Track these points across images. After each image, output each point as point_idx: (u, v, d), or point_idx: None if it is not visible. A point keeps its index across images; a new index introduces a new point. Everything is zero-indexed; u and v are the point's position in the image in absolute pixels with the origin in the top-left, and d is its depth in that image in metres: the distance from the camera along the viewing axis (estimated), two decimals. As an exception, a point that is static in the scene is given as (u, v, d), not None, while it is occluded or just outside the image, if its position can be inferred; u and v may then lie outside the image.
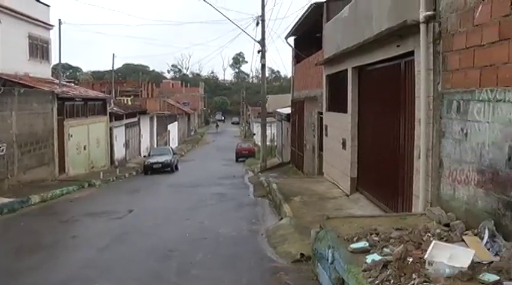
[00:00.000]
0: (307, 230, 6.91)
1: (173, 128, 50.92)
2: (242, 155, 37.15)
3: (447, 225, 5.09)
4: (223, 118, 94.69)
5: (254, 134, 50.26)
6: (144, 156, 31.39)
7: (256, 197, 14.38)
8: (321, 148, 14.84)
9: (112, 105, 30.06)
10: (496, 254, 4.15)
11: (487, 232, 4.45)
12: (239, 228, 9.62)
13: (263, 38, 24.99)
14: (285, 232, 8.23)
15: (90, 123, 24.45)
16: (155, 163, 26.48)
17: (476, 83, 4.91)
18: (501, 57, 4.48)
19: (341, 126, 11.43)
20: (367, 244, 4.69)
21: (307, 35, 18.90)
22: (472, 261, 3.86)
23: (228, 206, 13.22)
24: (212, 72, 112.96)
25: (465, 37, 5.16)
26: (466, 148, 5.14)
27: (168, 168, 26.77)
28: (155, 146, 38.29)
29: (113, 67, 40.38)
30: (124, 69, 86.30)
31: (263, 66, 25.60)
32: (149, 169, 26.16)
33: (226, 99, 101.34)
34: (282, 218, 9.60)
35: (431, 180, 6.03)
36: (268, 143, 31.34)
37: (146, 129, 38.02)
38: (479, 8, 4.87)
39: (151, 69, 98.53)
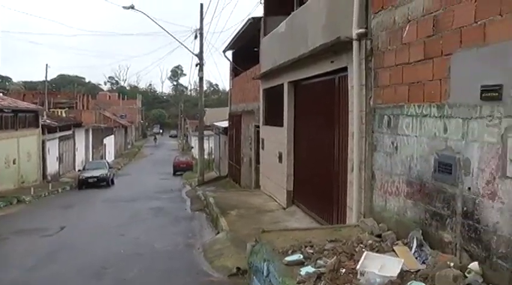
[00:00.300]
0: (243, 244, 6.88)
1: (109, 141, 49.54)
2: (180, 169, 36.67)
3: (379, 236, 5.21)
4: (161, 131, 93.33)
5: (192, 147, 49.83)
6: (79, 170, 30.27)
7: (193, 211, 14.24)
8: (257, 162, 14.91)
9: (45, 117, 28.88)
10: (423, 262, 4.29)
11: (415, 241, 4.59)
12: (175, 243, 9.46)
13: (201, 51, 24.95)
14: (222, 246, 8.18)
15: (20, 135, 23.35)
16: (90, 177, 25.60)
17: (405, 99, 5.10)
18: (426, 75, 4.68)
19: (277, 140, 11.54)
20: (302, 257, 4.71)
21: (245, 49, 19.05)
22: (401, 270, 3.97)
23: (165, 220, 13.00)
24: (150, 85, 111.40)
25: (394, 55, 5.36)
26: (396, 161, 5.31)
27: (103, 182, 25.97)
28: (91, 160, 37.05)
29: (46, 77, 38.98)
30: (59, 80, 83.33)
31: (201, 79, 25.53)
32: (84, 184, 25.25)
33: (164, 112, 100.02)
34: (218, 232, 9.53)
35: (364, 192, 6.17)
36: (206, 156, 31.15)
37: (81, 142, 36.76)
38: (407, 28, 5.08)
39: (87, 80, 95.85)
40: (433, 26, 4.57)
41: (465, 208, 4.10)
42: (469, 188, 4.04)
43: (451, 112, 4.30)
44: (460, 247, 4.16)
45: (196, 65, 25.05)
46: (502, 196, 3.65)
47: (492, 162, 3.76)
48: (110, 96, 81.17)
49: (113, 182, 27.42)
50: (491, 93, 3.74)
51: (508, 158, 3.56)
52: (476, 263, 3.85)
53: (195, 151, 37.20)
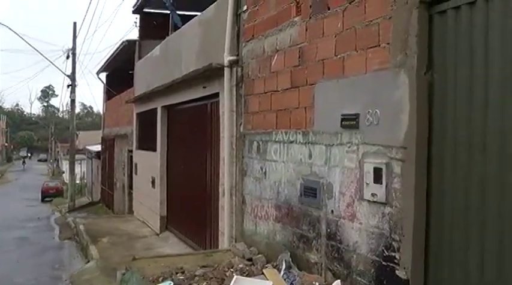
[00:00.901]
0: (114, 272, 6.48)
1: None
2: (49, 195, 34.05)
3: (250, 259, 5.21)
4: (29, 154, 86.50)
5: (63, 172, 46.83)
6: None
7: (62, 239, 13.30)
8: (131, 187, 14.41)
9: None
10: (291, 284, 4.35)
11: (284, 263, 4.66)
12: (40, 275, 8.71)
13: (73, 72, 23.68)
14: (91, 276, 7.67)
15: None
16: None
17: (273, 125, 5.22)
18: (293, 103, 4.84)
19: (150, 164, 11.24)
20: (172, 283, 4.54)
21: (120, 72, 18.46)
22: (270, 294, 3.98)
23: (30, 251, 11.94)
24: (17, 105, 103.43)
25: (264, 82, 5.49)
26: (265, 185, 5.40)
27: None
28: None
29: None
30: None
31: (73, 101, 24.16)
32: None
33: (33, 134, 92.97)
34: (88, 261, 8.95)
35: (235, 217, 6.17)
36: (78, 181, 29.42)
37: None
38: (275, 57, 5.24)
39: None
40: (299, 57, 4.76)
41: (329, 230, 4.25)
42: (332, 211, 4.21)
43: (315, 139, 4.47)
44: (325, 267, 4.29)
45: (68, 86, 23.71)
46: (360, 217, 3.85)
47: (351, 186, 3.96)
48: (-32, 117, 73.73)
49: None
50: (349, 122, 3.96)
51: (364, 182, 3.77)
52: (338, 281, 3.99)
53: (67, 176, 34.94)
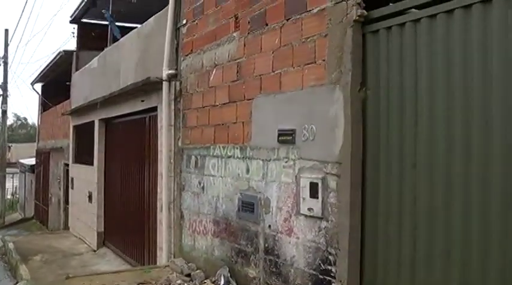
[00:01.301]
0: (46, 294, 6.15)
1: None
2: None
3: (188, 275, 5.10)
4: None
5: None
6: None
7: (-12, 260, 12.44)
8: (67, 202, 13.81)
9: None
10: (230, 299, 4.29)
11: (222, 279, 4.58)
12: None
13: (5, 82, 22.54)
14: (20, 298, 7.21)
15: None
16: None
17: (211, 140, 5.16)
18: (231, 117, 4.81)
19: (88, 179, 10.82)
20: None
21: (56, 83, 17.75)
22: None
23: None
24: None
25: (202, 97, 5.42)
26: (203, 200, 5.30)
27: None
28: None
29: None
30: None
31: (4, 112, 22.97)
32: None
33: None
34: (17, 282, 8.41)
35: (173, 232, 6.02)
36: (9, 197, 27.94)
37: None
38: (213, 72, 5.19)
39: None
40: (237, 72, 4.74)
41: (267, 245, 4.22)
42: (270, 226, 4.18)
43: (252, 154, 4.44)
44: (263, 281, 4.24)
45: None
46: (297, 231, 3.84)
47: (288, 201, 3.95)
48: None
49: None
50: (286, 137, 3.96)
51: (301, 197, 3.78)
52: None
53: (-3, 191, 33.09)
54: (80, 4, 12.30)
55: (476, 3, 2.76)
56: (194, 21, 5.72)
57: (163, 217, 6.15)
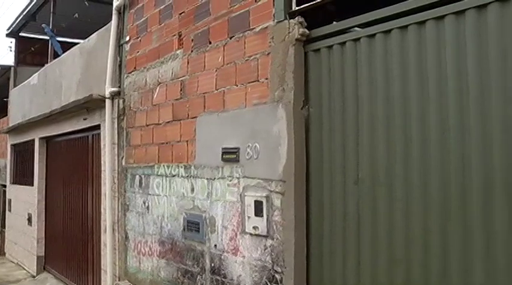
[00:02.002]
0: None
1: None
2: None
3: (133, 299, 4.95)
4: None
5: None
6: None
7: None
8: (3, 225, 13.14)
9: None
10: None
11: (168, 301, 4.48)
12: None
13: None
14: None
15: None
16: None
17: (156, 159, 5.07)
18: (175, 136, 4.75)
19: (27, 200, 10.36)
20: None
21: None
22: None
23: None
24: None
25: (146, 115, 5.33)
26: (148, 220, 5.18)
27: None
28: None
29: None
30: None
31: None
32: None
33: None
34: None
35: (118, 254, 5.84)
36: None
37: None
38: (157, 90, 5.13)
39: None
40: (181, 90, 4.71)
41: (213, 264, 4.16)
42: (216, 245, 4.13)
43: (197, 173, 4.40)
44: (211, 302, 4.18)
45: None
46: (243, 250, 3.81)
47: (234, 219, 3.93)
48: None
49: None
50: (230, 155, 3.95)
51: (246, 215, 3.76)
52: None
53: None
54: (18, 17, 11.86)
55: (412, 24, 2.88)
56: (138, 38, 5.64)
57: (107, 239, 5.96)
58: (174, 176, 4.75)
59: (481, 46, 2.58)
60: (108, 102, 5.98)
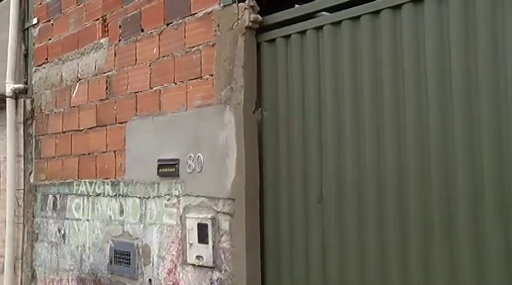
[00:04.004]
0: None
1: None
2: None
3: None
4: None
5: None
6: None
7: None
8: None
9: None
10: None
11: None
12: None
13: None
14: None
15: None
16: None
17: (75, 174, 5.16)
18: (99, 145, 4.87)
19: None
20: None
21: None
22: None
23: None
24: None
25: (62, 119, 5.42)
26: (64, 252, 5.24)
27: None
28: None
29: None
30: None
31: None
32: None
33: None
34: None
35: (21, 300, 5.82)
36: None
37: None
38: (76, 88, 5.23)
39: None
40: (107, 88, 4.84)
41: (147, 305, 4.27)
42: (150, 280, 4.25)
43: (127, 191, 4.53)
44: None
45: None
46: (184, 285, 3.97)
47: (173, 248, 4.07)
48: None
49: None
50: (167, 169, 4.10)
51: (187, 242, 3.90)
52: None
53: None
54: None
55: (385, 9, 3.09)
56: (49, 21, 5.69)
57: (4, 281, 5.85)
58: (98, 195, 4.85)
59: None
60: (10, 102, 5.92)
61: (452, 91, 2.81)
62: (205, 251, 3.76)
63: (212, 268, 3.73)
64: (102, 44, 4.95)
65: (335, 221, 3.28)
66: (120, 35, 4.74)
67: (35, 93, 5.88)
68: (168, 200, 4.12)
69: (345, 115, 3.27)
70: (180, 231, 4.01)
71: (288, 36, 3.59)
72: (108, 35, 4.89)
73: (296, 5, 3.72)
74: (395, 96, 3.05)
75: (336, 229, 3.28)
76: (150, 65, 4.39)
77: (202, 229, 3.78)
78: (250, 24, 3.64)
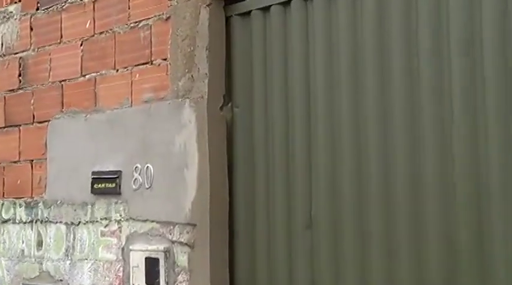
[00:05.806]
0: None
1: None
2: None
3: None
4: None
5: None
6: None
7: None
8: None
9: None
10: None
11: None
12: None
13: None
14: None
15: None
16: None
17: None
18: (8, 153, 4.86)
19: None
20: None
21: None
22: None
23: None
24: None
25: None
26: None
27: None
28: None
29: None
30: None
31: None
32: None
33: None
34: None
35: None
36: None
37: None
38: (-25, 74, 5.15)
39: None
40: (20, 75, 4.83)
41: None
42: None
43: (48, 215, 4.50)
44: None
45: None
46: None
47: (111, 292, 4.05)
48: None
49: None
50: (105, 184, 4.09)
51: (131, 284, 3.91)
52: None
53: None
54: None
55: None
56: None
57: None
58: (6, 221, 4.82)
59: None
60: None
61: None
62: (156, 296, 3.72)
63: (166, 320, 3.69)
64: (12, 13, 4.91)
65: (328, 252, 3.29)
66: (38, 2, 4.70)
67: None
68: (105, 226, 4.10)
69: (341, 110, 3.27)
70: (121, 269, 3.98)
71: (267, 8, 3.58)
72: (20, 0, 4.85)
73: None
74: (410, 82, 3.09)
75: (329, 262, 3.29)
76: (81, 44, 4.37)
77: (151, 265, 3.76)
78: (217, -9, 3.60)
